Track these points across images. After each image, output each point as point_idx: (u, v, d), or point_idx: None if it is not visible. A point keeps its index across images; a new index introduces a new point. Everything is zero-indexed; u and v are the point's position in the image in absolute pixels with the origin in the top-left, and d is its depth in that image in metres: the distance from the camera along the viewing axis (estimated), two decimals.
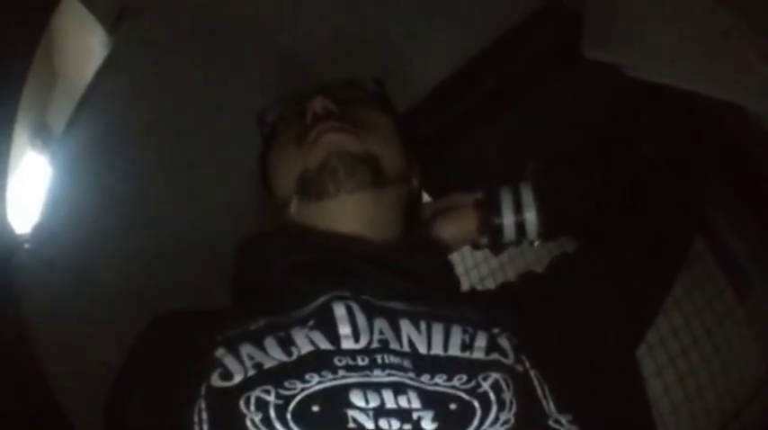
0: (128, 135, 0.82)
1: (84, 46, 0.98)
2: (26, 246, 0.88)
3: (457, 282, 0.72)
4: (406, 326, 0.58)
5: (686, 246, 0.79)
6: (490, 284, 1.01)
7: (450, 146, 0.89)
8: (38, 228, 0.86)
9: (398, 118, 0.77)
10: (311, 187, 0.68)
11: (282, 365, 0.55)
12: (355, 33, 0.82)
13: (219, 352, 0.56)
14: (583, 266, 0.73)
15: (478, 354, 0.57)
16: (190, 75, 0.82)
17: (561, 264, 0.74)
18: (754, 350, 1.03)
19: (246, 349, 0.56)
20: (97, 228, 0.84)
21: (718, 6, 0.66)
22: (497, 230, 0.76)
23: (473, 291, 0.75)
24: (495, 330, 0.60)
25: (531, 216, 0.75)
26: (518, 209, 0.76)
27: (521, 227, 0.76)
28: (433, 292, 0.65)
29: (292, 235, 0.70)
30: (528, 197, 0.76)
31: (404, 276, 0.65)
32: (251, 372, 0.54)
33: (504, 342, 0.59)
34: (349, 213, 0.68)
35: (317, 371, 0.54)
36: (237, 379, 0.54)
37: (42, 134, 0.87)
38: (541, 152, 0.92)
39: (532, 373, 0.57)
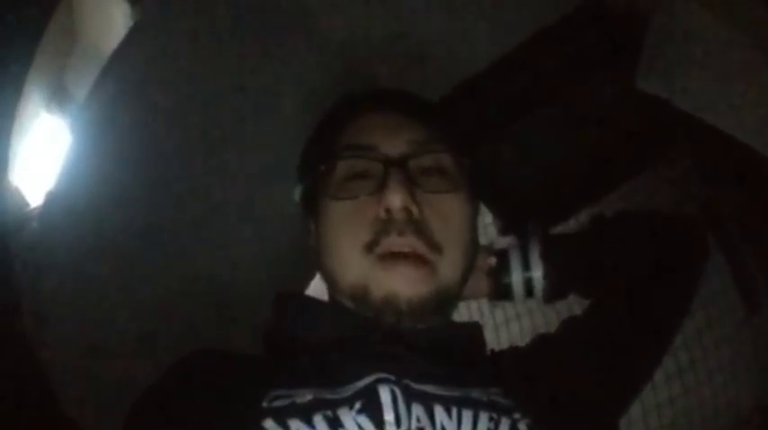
0: (155, 105, 0.80)
1: (106, 17, 0.96)
2: (37, 214, 0.85)
3: (484, 349, 0.76)
4: (439, 413, 0.62)
5: (679, 319, 0.82)
6: (504, 332, 1.01)
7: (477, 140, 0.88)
8: (52, 198, 0.83)
9: (473, 184, 0.74)
10: (367, 306, 0.68)
11: None
12: (391, 19, 0.81)
13: (269, 423, 0.59)
14: (586, 343, 0.76)
15: None
16: (223, 50, 0.80)
17: (568, 337, 0.77)
18: (756, 370, 1.04)
19: (296, 424, 0.59)
20: (117, 201, 0.82)
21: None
22: (506, 289, 0.79)
23: (494, 356, 0.77)
24: (517, 415, 0.64)
25: (537, 274, 0.78)
26: (526, 268, 0.78)
27: (528, 284, 0.78)
28: (464, 373, 0.68)
29: (339, 309, 0.72)
30: (535, 257, 0.78)
31: (440, 360, 0.68)
32: None
33: (523, 429, 0.63)
34: None
35: None
36: None
37: (60, 98, 0.85)
38: (567, 155, 0.92)
39: None
